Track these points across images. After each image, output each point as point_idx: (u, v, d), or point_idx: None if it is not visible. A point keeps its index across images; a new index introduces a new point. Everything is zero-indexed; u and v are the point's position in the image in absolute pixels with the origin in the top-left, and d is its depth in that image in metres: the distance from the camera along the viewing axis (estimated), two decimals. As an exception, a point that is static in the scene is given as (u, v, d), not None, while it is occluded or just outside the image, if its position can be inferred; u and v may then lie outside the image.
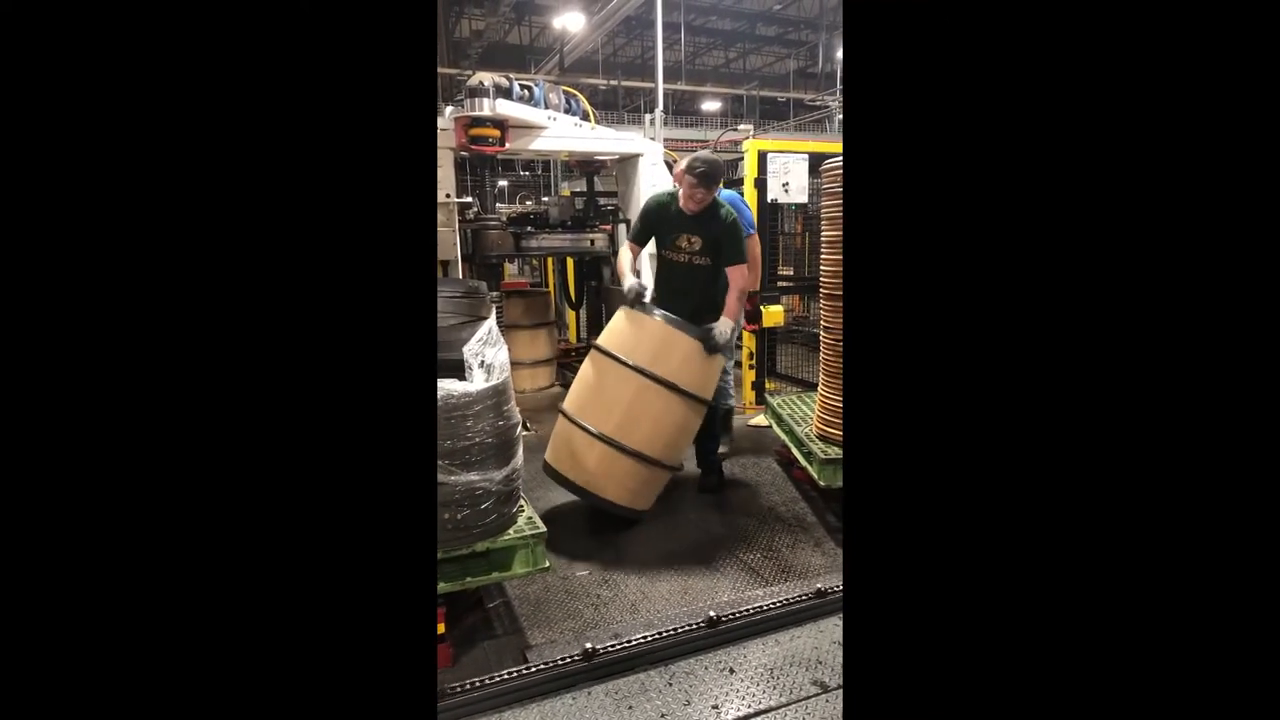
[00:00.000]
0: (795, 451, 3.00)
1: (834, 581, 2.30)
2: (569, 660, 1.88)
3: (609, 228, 4.57)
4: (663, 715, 1.73)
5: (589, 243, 4.52)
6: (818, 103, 11.49)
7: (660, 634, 1.99)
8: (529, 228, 4.38)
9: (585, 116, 4.12)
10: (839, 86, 11.81)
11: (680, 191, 2.94)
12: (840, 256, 2.79)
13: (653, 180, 4.24)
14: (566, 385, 5.15)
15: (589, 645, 1.92)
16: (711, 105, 14.51)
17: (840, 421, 2.81)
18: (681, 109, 14.31)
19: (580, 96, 4.22)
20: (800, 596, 2.21)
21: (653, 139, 4.55)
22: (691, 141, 9.28)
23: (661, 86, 5.46)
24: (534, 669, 1.85)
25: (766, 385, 4.50)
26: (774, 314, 4.28)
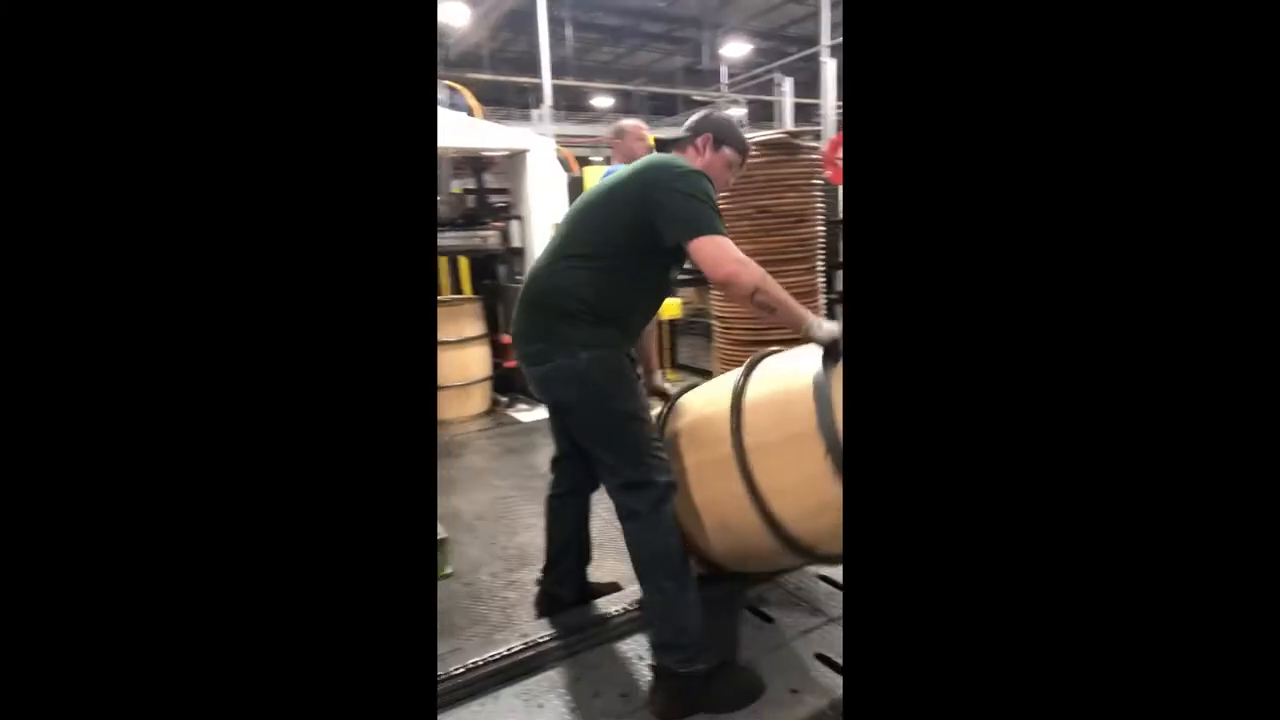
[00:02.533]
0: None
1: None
2: (476, 666, 1.84)
3: (502, 225, 4.50)
4: (573, 709, 1.73)
5: (481, 240, 4.44)
6: (704, 98, 11.76)
7: (568, 630, 1.98)
8: (417, 227, 4.24)
9: (469, 112, 4.03)
10: (724, 83, 12.11)
11: (720, 167, 1.89)
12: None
13: (542, 175, 4.20)
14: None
15: (497, 649, 1.89)
16: (603, 101, 14.54)
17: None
18: (574, 105, 14.25)
19: (464, 91, 4.13)
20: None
21: (542, 134, 4.51)
22: (582, 137, 9.25)
23: (549, 81, 5.41)
24: (438, 680, 1.80)
25: (668, 376, 4.57)
26: (672, 307, 4.35)
